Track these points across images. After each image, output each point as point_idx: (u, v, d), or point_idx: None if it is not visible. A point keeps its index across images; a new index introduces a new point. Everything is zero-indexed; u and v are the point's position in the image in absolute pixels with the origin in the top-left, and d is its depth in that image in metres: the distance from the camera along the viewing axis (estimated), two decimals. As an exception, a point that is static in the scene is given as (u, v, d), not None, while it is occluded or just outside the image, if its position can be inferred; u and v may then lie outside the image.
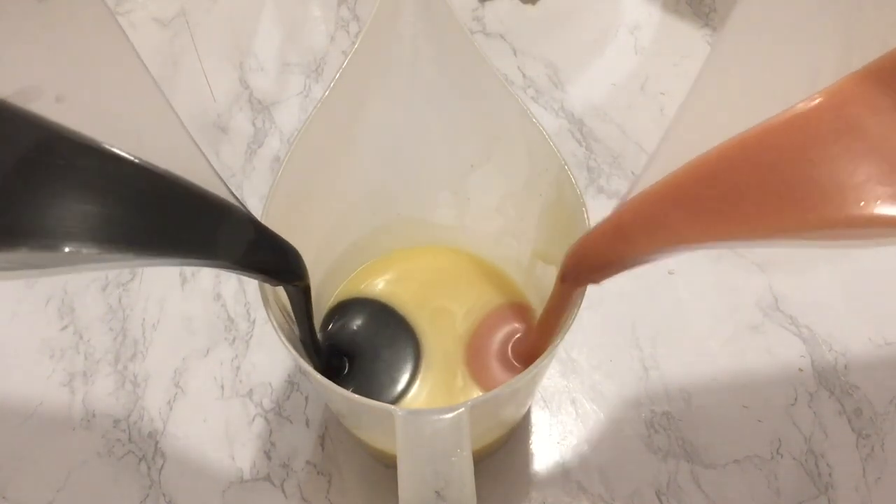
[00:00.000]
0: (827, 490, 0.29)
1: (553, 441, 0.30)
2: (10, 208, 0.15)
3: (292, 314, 0.24)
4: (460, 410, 0.19)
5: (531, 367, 0.20)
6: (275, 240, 0.21)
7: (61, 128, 0.16)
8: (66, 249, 0.15)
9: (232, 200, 0.19)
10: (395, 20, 0.24)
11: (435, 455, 0.18)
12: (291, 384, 0.32)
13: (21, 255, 0.15)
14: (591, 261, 0.22)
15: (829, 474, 0.29)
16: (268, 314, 0.21)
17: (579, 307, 0.22)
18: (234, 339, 0.33)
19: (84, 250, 0.15)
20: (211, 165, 0.18)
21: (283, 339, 0.21)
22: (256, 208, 0.21)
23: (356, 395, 0.20)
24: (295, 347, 0.21)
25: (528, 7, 0.47)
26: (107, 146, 0.17)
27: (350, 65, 0.24)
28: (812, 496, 0.29)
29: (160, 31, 0.46)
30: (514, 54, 0.44)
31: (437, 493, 0.18)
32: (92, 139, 0.16)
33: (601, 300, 0.34)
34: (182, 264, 0.18)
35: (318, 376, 0.20)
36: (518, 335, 0.29)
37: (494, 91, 0.25)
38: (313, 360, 0.25)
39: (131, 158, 0.17)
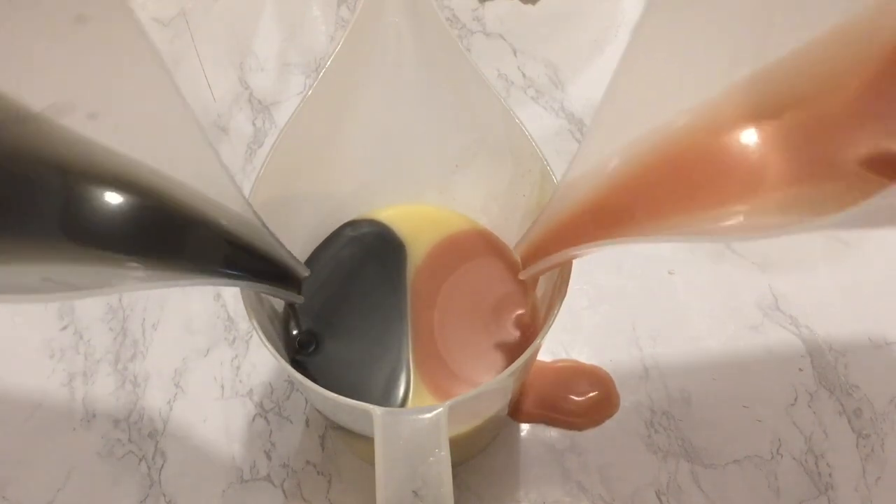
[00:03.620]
0: (827, 490, 0.29)
1: (553, 441, 0.30)
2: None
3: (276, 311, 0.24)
4: (439, 410, 0.18)
5: (510, 369, 0.20)
6: (288, 260, 0.22)
7: (92, 146, 0.17)
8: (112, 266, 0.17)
9: (253, 219, 0.20)
10: (379, 18, 0.24)
11: (413, 455, 0.18)
12: (291, 384, 0.32)
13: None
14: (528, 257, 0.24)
15: (829, 474, 0.29)
16: (252, 323, 0.21)
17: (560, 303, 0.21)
18: (234, 339, 0.33)
19: (126, 266, 0.16)
20: (233, 181, 0.19)
21: (268, 345, 0.21)
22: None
23: (335, 395, 0.19)
24: (279, 353, 0.21)
25: (528, 7, 0.47)
26: (146, 171, 0.18)
27: (334, 63, 0.24)
28: (812, 496, 0.29)
29: (160, 31, 0.46)
30: (514, 54, 0.44)
31: (414, 492, 0.18)
32: (128, 161, 0.18)
33: (601, 300, 0.34)
34: (198, 283, 0.19)
35: (300, 376, 0.20)
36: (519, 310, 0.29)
37: (478, 91, 0.25)
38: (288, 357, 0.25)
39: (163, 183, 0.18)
